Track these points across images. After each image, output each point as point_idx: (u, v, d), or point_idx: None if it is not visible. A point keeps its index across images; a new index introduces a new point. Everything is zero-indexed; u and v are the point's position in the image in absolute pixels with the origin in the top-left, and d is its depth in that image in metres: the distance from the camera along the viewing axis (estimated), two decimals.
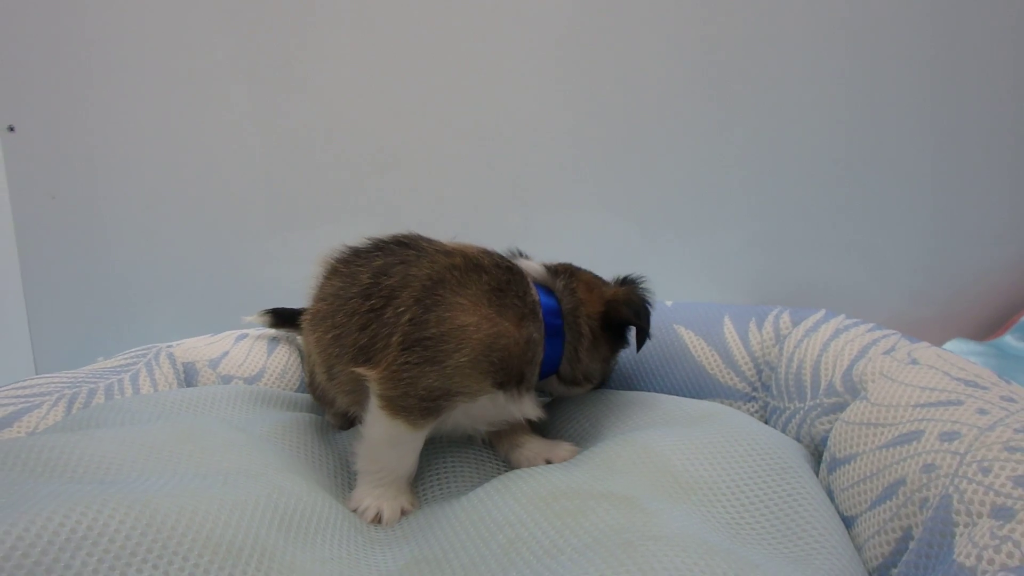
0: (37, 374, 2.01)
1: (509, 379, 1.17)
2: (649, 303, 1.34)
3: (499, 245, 1.34)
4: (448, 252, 1.22)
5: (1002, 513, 0.77)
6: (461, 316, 1.12)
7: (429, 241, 1.31)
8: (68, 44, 2.18)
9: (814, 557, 0.91)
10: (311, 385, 1.46)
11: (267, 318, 1.75)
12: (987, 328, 2.30)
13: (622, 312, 1.31)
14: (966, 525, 0.80)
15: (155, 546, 0.81)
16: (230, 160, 2.26)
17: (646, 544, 0.82)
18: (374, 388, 1.15)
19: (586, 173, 2.26)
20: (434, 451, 1.30)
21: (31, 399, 1.34)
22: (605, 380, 1.46)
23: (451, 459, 1.28)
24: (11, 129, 2.20)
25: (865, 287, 2.29)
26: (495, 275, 1.19)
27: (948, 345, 2.13)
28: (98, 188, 2.25)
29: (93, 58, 2.19)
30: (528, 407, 1.22)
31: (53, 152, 2.22)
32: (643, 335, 1.34)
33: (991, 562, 0.73)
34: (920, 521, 0.88)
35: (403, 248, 1.27)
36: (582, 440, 1.29)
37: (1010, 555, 0.72)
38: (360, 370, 1.16)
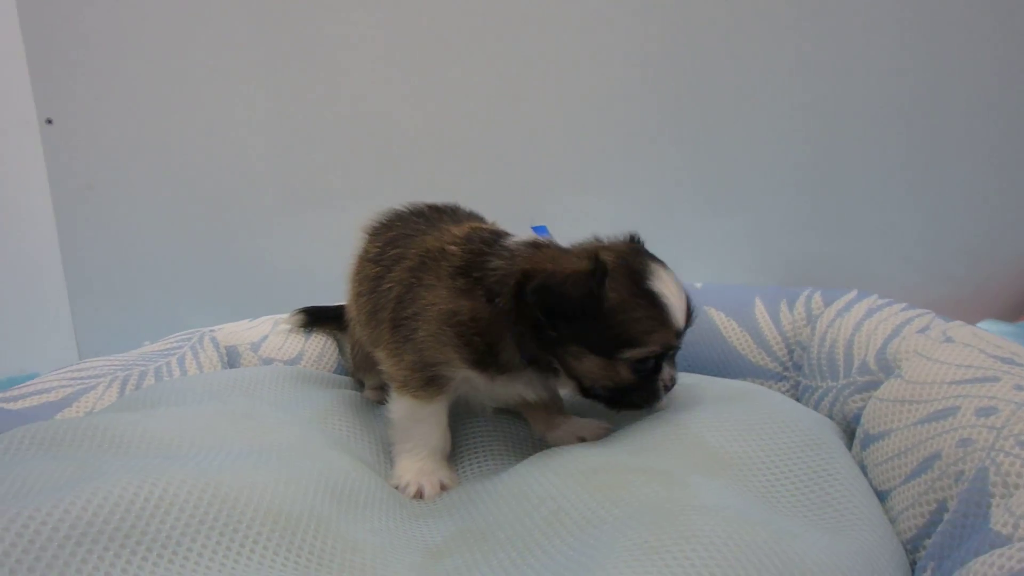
0: (80, 358, 2.07)
1: (480, 356, 1.17)
2: (579, 283, 1.09)
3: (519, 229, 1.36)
4: (451, 231, 1.26)
5: None
6: (427, 295, 1.18)
7: (453, 215, 1.37)
8: (102, 39, 2.22)
9: (849, 529, 0.94)
10: (353, 354, 1.53)
11: (299, 318, 1.78)
12: (1018, 309, 2.31)
13: (526, 291, 1.12)
14: (1003, 496, 0.83)
15: (221, 515, 0.86)
16: (263, 147, 2.31)
17: (687, 514, 0.85)
18: (382, 368, 1.25)
19: (611, 156, 2.29)
20: (471, 431, 1.33)
21: (86, 381, 1.39)
22: (594, 390, 1.19)
23: (488, 438, 1.32)
24: (49, 122, 2.24)
25: (897, 269, 2.31)
26: (463, 256, 1.20)
27: (979, 326, 2.14)
28: (134, 177, 2.29)
29: (126, 52, 2.23)
30: (522, 387, 1.21)
31: (89, 144, 2.27)
32: (542, 327, 1.12)
33: None
34: (955, 494, 0.90)
35: (423, 220, 1.34)
36: (614, 419, 1.31)
37: None
38: (373, 351, 1.26)
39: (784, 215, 2.29)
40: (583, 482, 1.00)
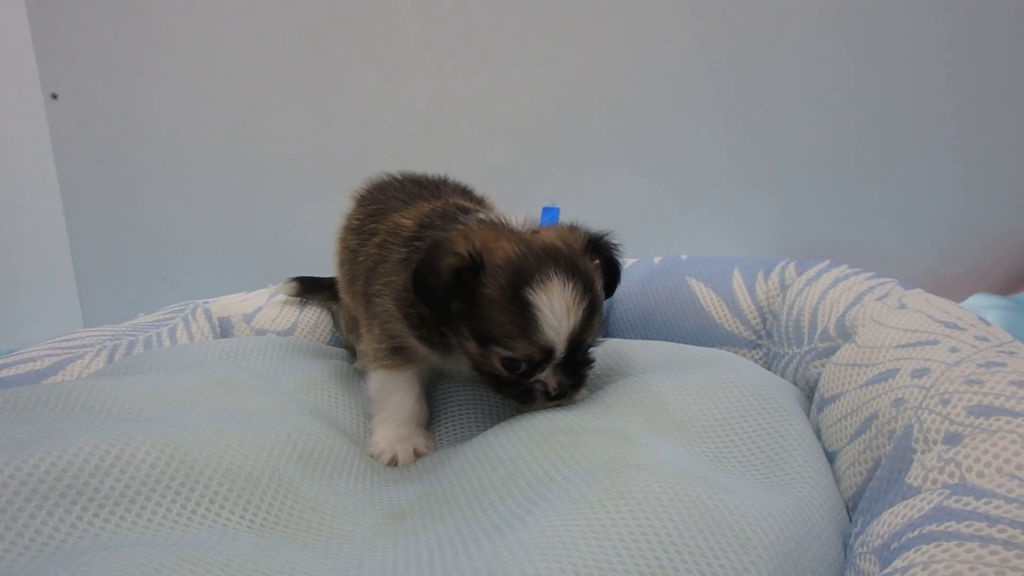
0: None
1: (421, 331, 1.20)
2: (441, 275, 1.08)
3: (526, 207, 1.37)
4: (422, 206, 1.29)
5: (952, 439, 0.82)
6: (384, 270, 1.23)
7: (436, 189, 1.39)
8: (108, 11, 2.24)
9: (791, 485, 0.97)
10: (346, 319, 1.59)
11: (292, 286, 1.81)
12: (1012, 283, 2.32)
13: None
14: (922, 452, 0.85)
15: (178, 475, 0.90)
16: (272, 123, 2.32)
17: (628, 471, 0.89)
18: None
19: (644, 132, 2.30)
20: (450, 399, 1.36)
21: (74, 350, 1.43)
22: (479, 372, 1.19)
23: (467, 406, 1.34)
24: (54, 97, 2.26)
25: (893, 246, 2.32)
26: (415, 230, 1.23)
27: (971, 299, 2.16)
28: (141, 154, 2.32)
29: (133, 25, 2.25)
30: (460, 362, 1.22)
31: (95, 119, 2.29)
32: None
33: (934, 482, 0.78)
34: (887, 452, 0.93)
35: (403, 194, 1.37)
36: (591, 385, 1.34)
37: (951, 475, 0.78)
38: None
39: (781, 194, 2.30)
40: (541, 443, 1.03)
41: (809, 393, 1.28)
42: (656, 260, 1.76)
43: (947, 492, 0.74)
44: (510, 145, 2.32)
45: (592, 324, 1.12)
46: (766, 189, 2.30)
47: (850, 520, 0.97)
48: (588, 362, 1.18)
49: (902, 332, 1.10)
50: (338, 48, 2.27)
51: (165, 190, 2.33)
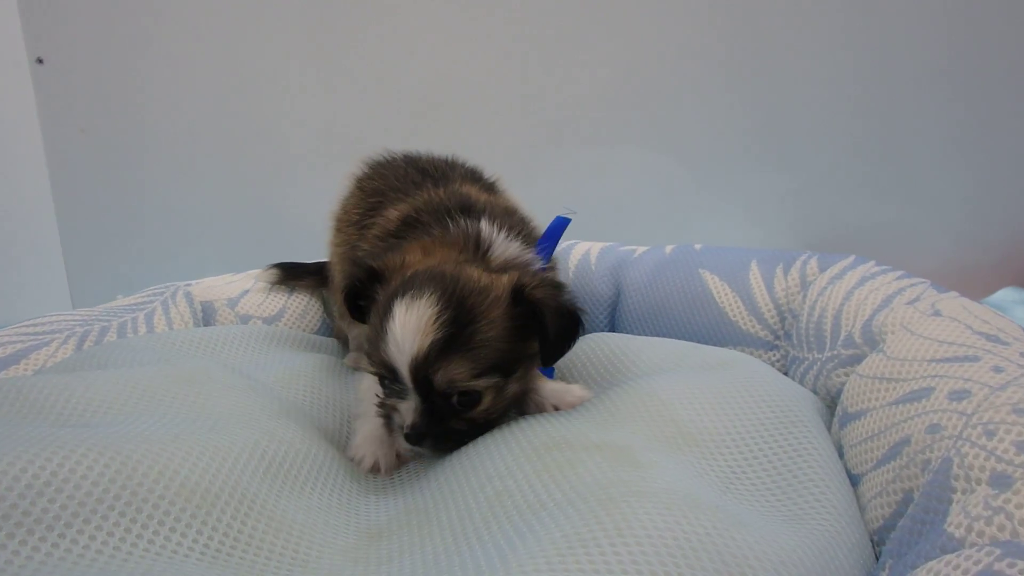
0: (73, 306, 2.03)
1: None
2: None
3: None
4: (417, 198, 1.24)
5: (1000, 481, 0.72)
6: None
7: (444, 176, 1.31)
8: None
9: (811, 516, 0.87)
10: (339, 308, 1.48)
11: (273, 273, 1.71)
12: None
13: None
14: (964, 492, 0.75)
15: (124, 492, 0.80)
16: (271, 97, 2.24)
17: (628, 500, 0.79)
18: None
19: (662, 111, 2.21)
20: None
21: (40, 336, 1.34)
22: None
23: None
24: (40, 61, 2.17)
25: (915, 232, 2.22)
26: (398, 228, 1.21)
27: (1000, 294, 2.05)
28: (131, 122, 2.23)
29: None
30: None
31: (83, 85, 2.20)
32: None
33: (980, 534, 0.68)
34: (920, 484, 0.83)
35: (408, 184, 1.30)
36: (593, 384, 1.25)
37: (1001, 527, 0.68)
38: None
39: (800, 176, 2.21)
40: (534, 459, 0.93)
41: (830, 403, 1.18)
42: (668, 249, 1.65)
43: (997, 552, 0.63)
44: (522, 122, 2.24)
45: (446, 362, 1.00)
46: (784, 169, 2.22)
47: (876, 558, 0.87)
48: (460, 415, 1.05)
49: (936, 344, 0.99)
50: (344, 22, 2.18)
51: (156, 158, 2.25)
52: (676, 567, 0.70)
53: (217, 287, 1.66)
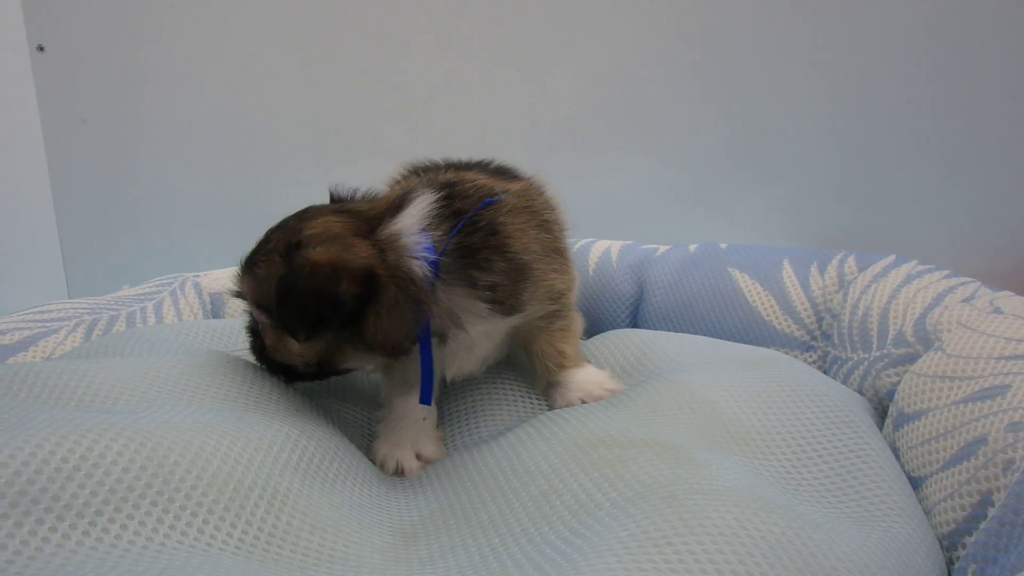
0: (69, 296, 1.98)
1: None
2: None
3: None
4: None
5: None
6: None
7: (452, 168, 1.26)
8: None
9: (880, 519, 0.83)
10: None
11: None
12: None
13: None
14: None
15: (155, 481, 0.75)
16: (274, 88, 2.19)
17: (693, 498, 0.74)
18: None
19: (649, 119, 2.16)
20: (462, 394, 1.22)
21: (48, 324, 1.29)
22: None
23: (482, 402, 1.20)
24: (40, 49, 2.12)
25: (912, 237, 2.16)
26: None
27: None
28: (132, 111, 2.18)
29: None
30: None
31: (84, 73, 2.15)
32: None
33: None
34: (1003, 485, 0.78)
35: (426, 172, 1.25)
36: (625, 377, 1.19)
37: None
38: None
39: (824, 182, 2.16)
40: (579, 457, 0.89)
41: (878, 404, 1.13)
42: (692, 247, 1.61)
43: None
44: (507, 128, 2.19)
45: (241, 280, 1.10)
46: (778, 174, 2.16)
47: (947, 562, 0.82)
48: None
49: (1004, 341, 0.95)
50: (346, 20, 2.14)
51: (156, 149, 2.19)
52: (757, 567, 0.65)
53: (225, 279, 1.60)
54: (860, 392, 1.16)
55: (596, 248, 1.68)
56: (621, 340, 1.28)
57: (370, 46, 2.15)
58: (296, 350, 1.06)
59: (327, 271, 0.97)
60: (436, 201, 1.06)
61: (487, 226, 1.06)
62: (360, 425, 1.18)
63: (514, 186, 1.17)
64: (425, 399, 1.07)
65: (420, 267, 1.00)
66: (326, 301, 0.97)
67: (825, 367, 1.30)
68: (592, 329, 1.58)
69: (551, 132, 2.19)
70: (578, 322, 1.20)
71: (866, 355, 1.18)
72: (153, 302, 1.44)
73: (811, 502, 0.84)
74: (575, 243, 1.70)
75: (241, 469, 0.82)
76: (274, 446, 0.89)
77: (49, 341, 1.25)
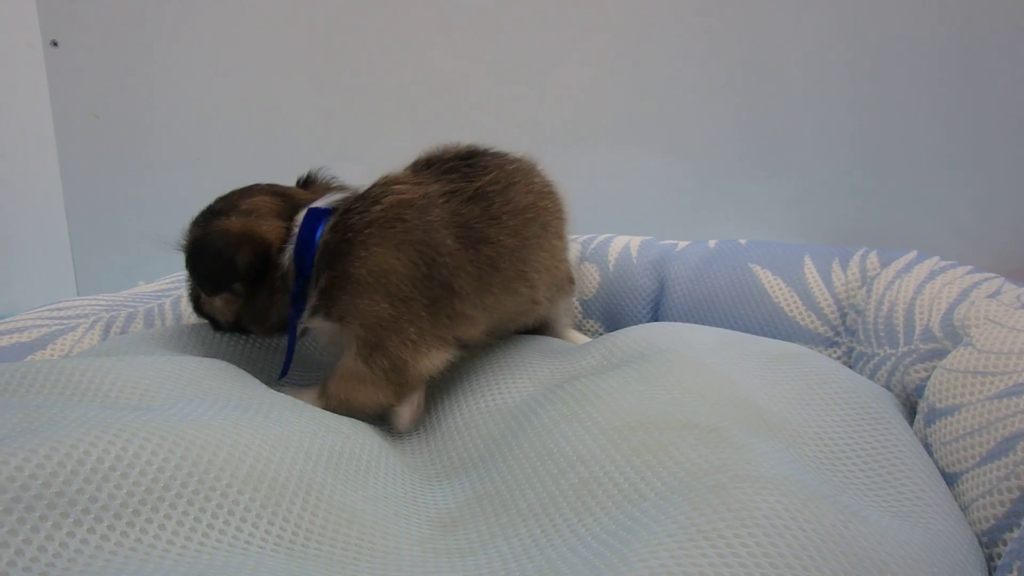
0: (78, 293, 1.97)
1: None
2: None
3: None
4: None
5: None
6: None
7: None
8: None
9: (919, 516, 0.82)
10: None
11: None
12: None
13: None
14: None
15: (190, 480, 0.73)
16: (282, 83, 2.19)
17: (740, 487, 0.72)
18: None
19: (658, 115, 2.16)
20: (483, 359, 1.23)
21: (65, 321, 1.27)
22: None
23: (506, 368, 1.20)
24: (54, 44, 2.12)
25: (949, 236, 2.15)
26: None
27: None
28: (144, 107, 2.18)
29: None
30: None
31: (97, 69, 2.15)
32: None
33: None
34: None
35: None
36: (651, 361, 1.13)
37: None
38: None
39: (835, 180, 2.14)
40: (618, 442, 0.86)
41: (906, 400, 1.12)
42: (711, 243, 1.60)
43: None
44: (514, 125, 2.19)
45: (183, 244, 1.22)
46: (787, 172, 2.15)
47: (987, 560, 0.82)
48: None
49: None
50: (350, 20, 2.15)
51: (168, 146, 2.19)
52: (812, 560, 0.63)
53: None
54: (888, 388, 1.15)
55: (615, 244, 1.67)
56: (647, 331, 1.26)
57: (373, 45, 2.16)
58: (217, 306, 1.20)
59: (231, 239, 1.10)
60: (341, 200, 1.16)
61: (350, 233, 1.09)
62: (381, 416, 1.17)
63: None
64: (282, 374, 1.19)
65: (288, 255, 1.12)
66: (225, 264, 1.09)
67: (850, 363, 1.30)
68: (613, 325, 1.58)
69: (561, 128, 2.19)
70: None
71: (893, 351, 1.18)
72: (171, 298, 1.42)
73: (851, 495, 0.84)
74: (594, 239, 1.69)
75: (275, 466, 0.81)
76: (304, 441, 0.88)
77: (67, 339, 1.23)
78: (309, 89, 2.19)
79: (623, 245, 1.66)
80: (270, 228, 1.13)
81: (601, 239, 1.69)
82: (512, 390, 1.13)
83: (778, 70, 2.09)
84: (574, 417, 0.94)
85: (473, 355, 1.22)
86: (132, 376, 0.95)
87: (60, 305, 1.32)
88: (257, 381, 1.09)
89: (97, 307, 1.34)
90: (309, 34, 2.15)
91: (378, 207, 1.09)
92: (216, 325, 1.25)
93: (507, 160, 1.24)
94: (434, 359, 1.10)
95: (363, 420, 1.10)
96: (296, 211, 1.15)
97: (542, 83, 2.16)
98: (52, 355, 1.21)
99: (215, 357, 1.14)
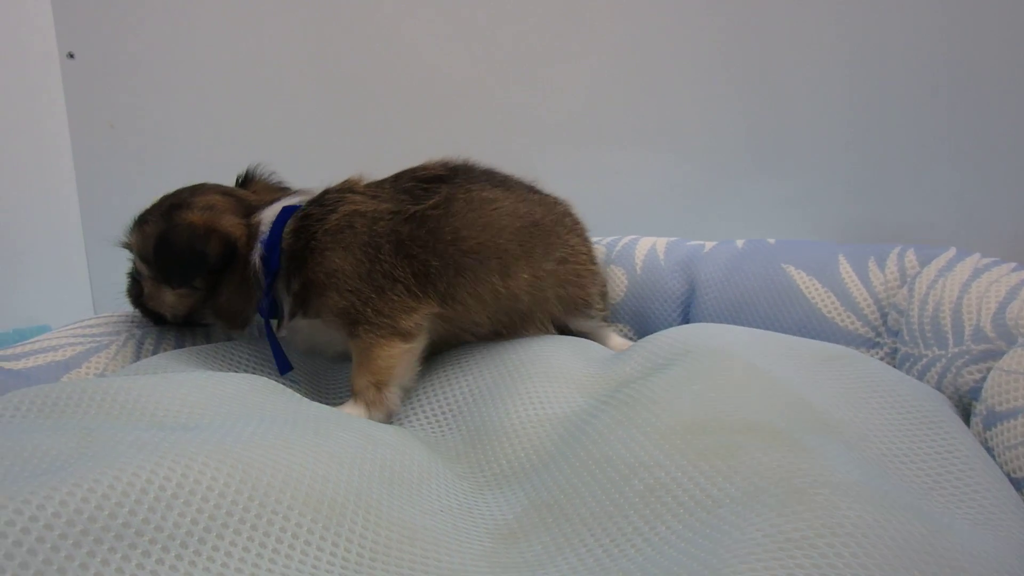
0: (95, 307, 1.97)
1: None
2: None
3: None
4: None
5: None
6: None
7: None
8: None
9: (993, 523, 0.80)
10: None
11: None
12: None
13: None
14: None
15: (252, 505, 0.71)
16: (296, 92, 2.18)
17: (821, 492, 0.70)
18: None
19: (661, 114, 2.14)
20: (520, 365, 1.19)
21: (98, 339, 1.26)
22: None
23: (540, 375, 1.15)
24: (70, 56, 2.13)
25: (957, 232, 2.13)
26: None
27: None
28: (159, 117, 2.19)
29: None
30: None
31: (113, 80, 2.16)
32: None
33: None
34: None
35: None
36: (684, 359, 1.09)
37: None
38: None
39: (842, 177, 2.12)
40: (682, 447, 0.83)
41: (959, 402, 1.10)
42: (739, 243, 1.58)
43: None
44: (517, 125, 2.18)
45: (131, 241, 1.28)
46: (793, 170, 2.14)
47: None
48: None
49: None
50: (361, 34, 2.15)
51: (186, 158, 2.18)
52: (907, 572, 0.61)
53: None
54: (939, 390, 1.13)
55: (641, 246, 1.65)
56: (688, 331, 1.21)
57: (372, 45, 2.16)
58: (169, 301, 1.27)
59: (200, 231, 1.17)
60: (302, 204, 1.24)
61: (312, 241, 1.19)
62: (421, 427, 1.15)
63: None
64: (281, 369, 1.22)
65: (258, 254, 1.20)
66: (195, 256, 1.17)
67: (894, 364, 1.27)
68: (642, 328, 1.55)
69: (564, 128, 2.17)
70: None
71: (942, 352, 1.15)
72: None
73: (927, 501, 0.82)
74: (618, 241, 1.67)
75: (332, 485, 0.79)
76: (356, 457, 0.87)
77: (101, 356, 1.23)
78: (323, 99, 2.18)
79: (649, 247, 1.64)
80: (232, 224, 1.21)
81: (626, 241, 1.66)
82: (558, 400, 1.09)
83: (783, 68, 2.07)
84: (629, 422, 0.91)
85: (509, 364, 1.20)
86: (177, 394, 0.93)
87: (90, 323, 1.31)
88: (298, 395, 1.08)
89: (128, 324, 1.33)
90: (322, 47, 2.15)
91: (334, 215, 1.19)
92: (157, 319, 1.32)
93: (470, 187, 1.28)
94: (411, 315, 1.19)
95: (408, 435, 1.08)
96: (249, 211, 1.25)
97: (545, 83, 2.14)
98: (88, 373, 1.20)
99: (245, 372, 1.14)
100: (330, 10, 2.12)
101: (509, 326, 1.30)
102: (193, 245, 1.16)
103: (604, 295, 1.44)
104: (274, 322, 1.24)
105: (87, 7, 2.12)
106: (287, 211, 1.22)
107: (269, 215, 1.23)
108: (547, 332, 1.34)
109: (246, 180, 1.40)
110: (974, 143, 2.05)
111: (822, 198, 2.14)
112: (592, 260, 1.39)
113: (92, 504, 0.63)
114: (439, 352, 1.27)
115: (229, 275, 1.22)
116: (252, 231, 1.22)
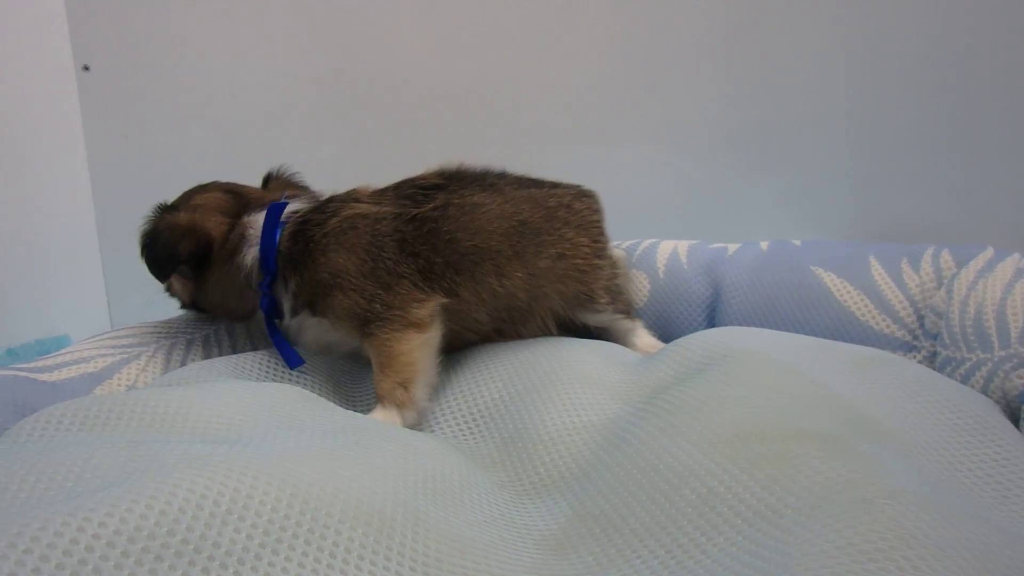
0: (110, 317, 1.97)
1: None
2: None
3: None
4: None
5: None
6: None
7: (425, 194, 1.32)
8: None
9: None
10: None
11: None
12: None
13: None
14: None
15: (304, 519, 0.70)
16: (309, 104, 2.18)
17: (887, 502, 0.67)
18: None
19: (657, 110, 2.13)
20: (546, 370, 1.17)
21: (128, 350, 1.25)
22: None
23: (570, 380, 1.13)
24: (86, 69, 2.13)
25: (958, 227, 2.11)
26: None
27: None
28: (173, 128, 2.19)
29: None
30: None
31: (127, 92, 2.17)
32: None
33: None
34: None
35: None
36: (721, 362, 1.06)
37: None
38: None
39: (842, 173, 2.10)
40: (732, 455, 0.80)
41: (1006, 407, 1.08)
42: (763, 245, 1.56)
43: None
44: (514, 124, 2.17)
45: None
46: (796, 166, 2.12)
47: None
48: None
49: None
50: (371, 43, 2.16)
51: (199, 169, 2.14)
52: None
53: None
54: (985, 394, 1.11)
55: (663, 249, 1.63)
56: (720, 334, 1.19)
57: (370, 46, 2.16)
58: (176, 287, 1.37)
59: (176, 231, 1.25)
60: (300, 207, 1.29)
61: (311, 244, 1.22)
62: (452, 434, 1.13)
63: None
64: (291, 364, 1.23)
65: (251, 255, 1.24)
66: (167, 254, 1.25)
67: (934, 367, 1.25)
68: (666, 333, 1.52)
69: (566, 129, 2.17)
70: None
71: (987, 356, 1.13)
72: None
73: (991, 511, 0.80)
74: (638, 244, 1.65)
75: (380, 498, 0.77)
76: (399, 468, 0.85)
77: (131, 368, 1.22)
78: (337, 110, 2.18)
79: (671, 251, 1.61)
80: (214, 223, 1.28)
81: (646, 245, 1.64)
82: (592, 406, 1.06)
83: (783, 65, 2.06)
84: (673, 430, 0.89)
85: (540, 369, 1.18)
86: (215, 406, 0.92)
87: (117, 334, 1.30)
88: (333, 404, 1.06)
89: (156, 333, 1.32)
90: (334, 58, 2.15)
91: (335, 219, 1.23)
92: (182, 304, 1.41)
93: (462, 193, 1.30)
94: (422, 305, 1.21)
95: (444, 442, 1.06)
96: (247, 208, 1.31)
97: (546, 83, 2.14)
98: (119, 385, 1.19)
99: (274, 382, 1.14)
100: (342, 22, 2.13)
101: (509, 323, 1.31)
102: (166, 244, 1.25)
103: (613, 288, 1.41)
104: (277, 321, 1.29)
105: (103, 20, 2.13)
106: (275, 208, 1.26)
107: (260, 215, 1.28)
108: (548, 328, 1.34)
109: (267, 180, 1.47)
110: (974, 140, 2.03)
111: (822, 194, 2.12)
112: (596, 253, 1.37)
113: (151, 521, 0.62)
114: (445, 353, 1.26)
115: (210, 271, 1.29)
116: (241, 230, 1.28)
